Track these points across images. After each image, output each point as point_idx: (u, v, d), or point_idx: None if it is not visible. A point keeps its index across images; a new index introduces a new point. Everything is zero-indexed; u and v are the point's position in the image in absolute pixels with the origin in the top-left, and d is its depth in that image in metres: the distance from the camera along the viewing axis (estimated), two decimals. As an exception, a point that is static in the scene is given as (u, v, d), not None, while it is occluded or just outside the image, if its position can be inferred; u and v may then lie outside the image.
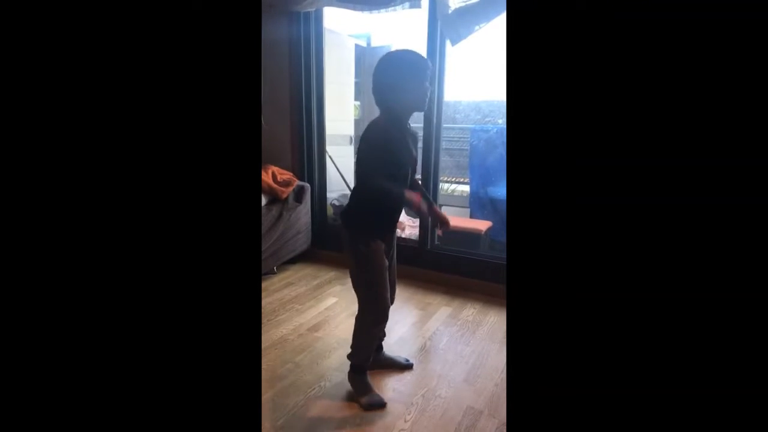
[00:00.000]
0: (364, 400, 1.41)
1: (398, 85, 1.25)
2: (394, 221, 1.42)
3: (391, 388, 1.53)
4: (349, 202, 1.42)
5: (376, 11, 2.27)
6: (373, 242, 1.34)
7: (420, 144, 2.18)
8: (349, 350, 1.49)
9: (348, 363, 1.49)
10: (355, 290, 1.41)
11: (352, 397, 1.45)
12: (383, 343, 1.66)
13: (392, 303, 1.55)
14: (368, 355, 1.47)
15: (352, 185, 3.52)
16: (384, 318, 1.40)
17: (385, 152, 1.25)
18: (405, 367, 1.64)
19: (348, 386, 1.50)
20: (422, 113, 2.21)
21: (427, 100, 1.30)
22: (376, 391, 1.46)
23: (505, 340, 1.87)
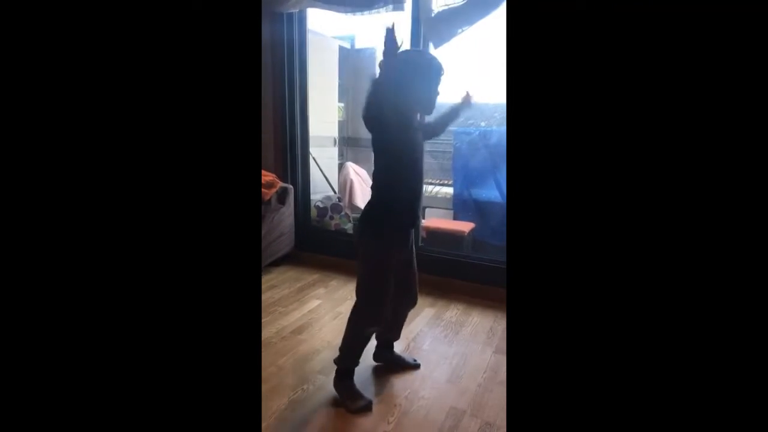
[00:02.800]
0: (350, 403, 1.40)
1: (409, 83, 1.23)
2: (405, 221, 1.37)
3: (374, 390, 1.53)
4: (368, 202, 1.38)
5: (360, 13, 2.27)
6: (378, 241, 1.33)
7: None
8: (336, 354, 1.47)
9: (333, 368, 1.48)
10: (356, 289, 1.41)
11: (335, 400, 1.45)
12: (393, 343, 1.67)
13: (413, 306, 1.57)
14: (354, 359, 1.45)
15: (336, 187, 3.52)
16: (375, 321, 1.39)
17: (400, 147, 1.25)
18: (413, 366, 1.66)
19: (331, 389, 1.49)
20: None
21: (434, 103, 1.29)
22: (363, 393, 1.45)
23: (487, 340, 1.89)
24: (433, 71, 1.24)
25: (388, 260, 1.35)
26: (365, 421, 1.36)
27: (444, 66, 1.26)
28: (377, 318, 1.39)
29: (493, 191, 3.07)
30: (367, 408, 1.39)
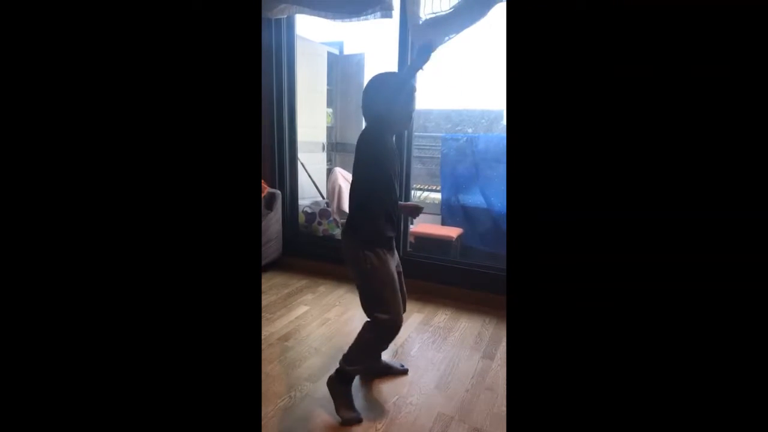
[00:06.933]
0: (343, 414, 1.38)
1: (387, 104, 1.32)
2: (395, 229, 1.43)
3: (363, 396, 1.52)
4: (351, 215, 1.41)
5: (348, 20, 2.28)
6: (382, 253, 1.35)
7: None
8: (328, 359, 1.48)
9: (327, 372, 1.47)
10: (365, 307, 1.39)
11: (323, 407, 1.43)
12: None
13: (404, 312, 1.56)
14: (363, 367, 1.45)
15: (324, 192, 3.51)
16: (396, 332, 1.37)
17: (384, 159, 1.32)
18: (401, 372, 1.66)
19: (319, 396, 1.48)
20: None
21: (411, 119, 1.39)
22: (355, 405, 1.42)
23: (475, 345, 1.89)
24: (406, 91, 1.33)
25: (393, 270, 1.38)
26: (354, 428, 1.35)
27: (415, 86, 1.37)
28: (397, 330, 1.36)
29: (481, 197, 3.09)
30: (356, 421, 1.37)
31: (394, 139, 1.43)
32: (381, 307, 1.34)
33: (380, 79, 1.33)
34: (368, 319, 1.39)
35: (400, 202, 1.41)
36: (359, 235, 1.36)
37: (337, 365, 1.43)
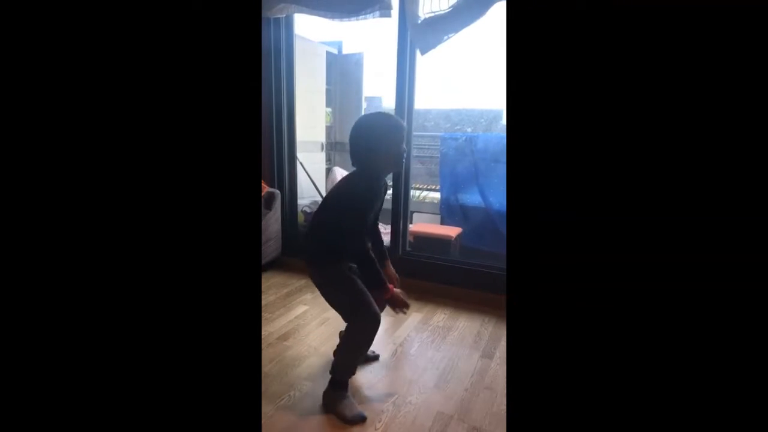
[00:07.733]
0: (346, 414, 1.38)
1: (376, 150, 1.32)
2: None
3: (362, 395, 1.52)
4: (314, 236, 1.43)
5: (347, 19, 2.28)
6: (341, 262, 1.39)
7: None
8: (326, 362, 1.47)
9: (325, 378, 1.47)
10: (349, 317, 1.41)
11: (321, 407, 1.43)
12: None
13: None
14: (353, 371, 1.45)
15: (323, 192, 3.51)
16: (376, 331, 1.40)
17: (366, 208, 1.33)
18: (373, 359, 1.73)
19: (318, 395, 1.47)
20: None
21: (403, 161, 1.39)
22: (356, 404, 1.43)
23: (474, 344, 1.90)
24: (395, 132, 1.33)
25: (353, 276, 1.40)
26: (353, 428, 1.35)
27: (404, 124, 1.38)
28: (376, 329, 1.39)
29: (480, 196, 3.10)
30: (360, 419, 1.37)
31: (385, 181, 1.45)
32: (365, 309, 1.37)
33: (366, 124, 1.34)
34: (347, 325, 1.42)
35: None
36: (324, 257, 1.40)
37: (330, 377, 1.44)
